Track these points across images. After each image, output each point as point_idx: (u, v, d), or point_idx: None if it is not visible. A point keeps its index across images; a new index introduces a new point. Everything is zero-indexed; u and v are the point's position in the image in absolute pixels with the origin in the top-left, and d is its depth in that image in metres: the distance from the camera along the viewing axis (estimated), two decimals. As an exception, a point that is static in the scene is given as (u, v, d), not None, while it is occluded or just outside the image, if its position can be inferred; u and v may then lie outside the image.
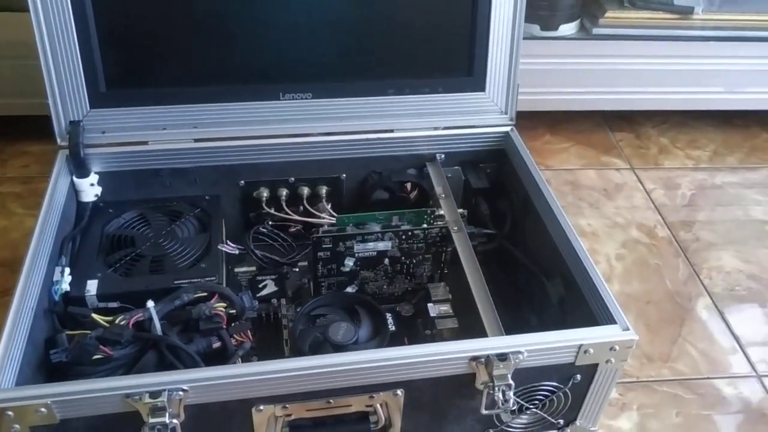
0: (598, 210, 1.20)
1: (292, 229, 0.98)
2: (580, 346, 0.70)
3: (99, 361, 0.72)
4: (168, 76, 0.90)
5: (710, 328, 1.01)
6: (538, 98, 1.30)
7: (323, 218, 0.95)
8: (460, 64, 0.96)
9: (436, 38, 0.94)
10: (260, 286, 0.92)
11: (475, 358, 0.68)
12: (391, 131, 0.97)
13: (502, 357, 0.68)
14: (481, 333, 0.77)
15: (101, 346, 0.71)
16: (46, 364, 0.72)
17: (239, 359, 0.78)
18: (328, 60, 0.93)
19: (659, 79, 1.33)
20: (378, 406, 0.71)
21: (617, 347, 0.71)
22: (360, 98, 0.95)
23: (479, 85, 0.97)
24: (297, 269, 0.95)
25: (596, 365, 0.73)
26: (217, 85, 0.91)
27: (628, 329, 0.71)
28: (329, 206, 0.98)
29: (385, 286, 0.92)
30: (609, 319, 0.73)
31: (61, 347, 0.72)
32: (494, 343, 0.70)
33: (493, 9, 0.93)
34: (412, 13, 0.92)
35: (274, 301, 0.91)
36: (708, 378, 0.94)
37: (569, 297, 0.82)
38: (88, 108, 0.88)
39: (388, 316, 0.86)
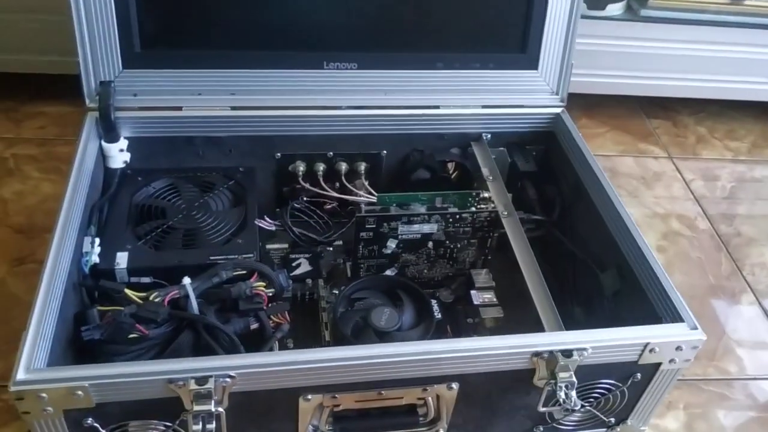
0: (637, 199, 1.16)
1: (328, 206, 0.94)
2: (647, 344, 0.66)
3: (133, 340, 0.67)
4: (207, 38, 0.84)
5: (756, 326, 0.97)
6: (577, 80, 1.24)
7: (361, 196, 0.91)
8: (513, 40, 0.91)
9: (491, 11, 0.89)
10: (294, 264, 0.88)
11: (537, 354, 0.64)
12: (437, 107, 0.92)
13: (567, 353, 0.64)
14: (531, 325, 0.73)
15: (137, 325, 0.67)
16: (76, 341, 0.67)
17: (276, 342, 0.74)
18: (377, 29, 0.87)
19: (702, 65, 1.28)
20: (429, 399, 0.68)
21: (684, 347, 0.67)
22: (407, 71, 0.89)
23: (532, 63, 0.92)
24: (331, 248, 0.91)
25: (659, 364, 0.69)
26: (258, 50, 0.85)
27: (696, 328, 0.67)
28: (367, 183, 0.93)
29: (425, 271, 0.88)
30: (674, 317, 0.69)
31: (92, 324, 0.68)
32: (557, 339, 0.65)
33: (553, -19, 0.87)
34: (465, -18, 0.87)
35: (309, 280, 0.87)
36: (755, 379, 0.90)
37: (625, 291, 0.78)
38: (121, 68, 0.82)
39: (433, 302, 0.81)
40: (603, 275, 0.81)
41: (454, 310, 0.86)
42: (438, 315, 0.80)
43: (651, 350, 0.67)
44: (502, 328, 0.82)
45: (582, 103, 1.33)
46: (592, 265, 0.83)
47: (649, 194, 1.17)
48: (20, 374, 0.56)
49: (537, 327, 0.73)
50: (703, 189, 1.20)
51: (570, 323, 0.72)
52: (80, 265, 0.72)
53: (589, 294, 0.85)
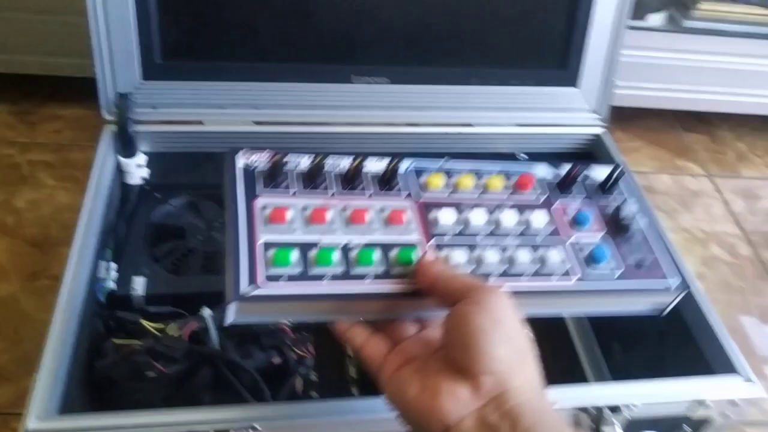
0: (674, 221, 1.11)
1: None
2: (700, 400, 0.62)
3: (149, 377, 0.63)
4: (231, 49, 0.79)
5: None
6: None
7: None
8: (553, 55, 0.85)
9: (531, 25, 0.83)
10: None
11: (582, 409, 0.60)
12: (470, 125, 0.87)
13: (615, 409, 0.60)
14: (564, 360, 0.69)
15: (154, 362, 0.63)
16: (91, 374, 0.64)
17: (299, 378, 0.70)
18: (410, 41, 0.82)
19: (744, 79, 1.22)
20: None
21: (739, 402, 0.63)
22: (440, 86, 0.84)
23: (571, 80, 0.87)
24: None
25: (710, 418, 0.65)
26: (284, 63, 0.81)
27: (750, 381, 0.63)
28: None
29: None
30: (727, 367, 0.64)
31: (108, 358, 0.64)
32: (604, 392, 0.61)
33: (598, -6, 0.82)
34: (505, -5, 0.82)
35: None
36: (801, 421, 0.86)
37: (671, 332, 0.73)
38: (141, 79, 0.78)
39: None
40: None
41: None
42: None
43: (703, 405, 0.62)
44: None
45: (616, 116, 1.27)
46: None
47: (688, 216, 1.12)
48: (32, 423, 0.52)
49: (573, 367, 0.69)
50: (744, 210, 1.15)
51: (611, 363, 0.68)
52: (95, 292, 0.68)
53: (629, 331, 0.80)
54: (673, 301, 0.60)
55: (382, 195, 0.58)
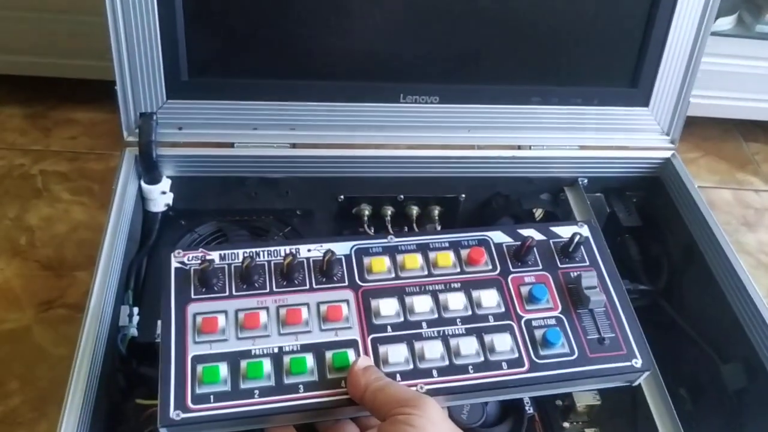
0: (738, 243, 1.02)
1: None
2: (797, 483, 0.55)
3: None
4: (264, 66, 0.72)
5: None
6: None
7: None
8: (623, 73, 0.77)
9: (599, 38, 0.75)
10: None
11: (664, 491, 0.53)
12: (528, 147, 0.79)
13: (703, 496, 0.53)
14: (627, 410, 0.62)
15: (182, 430, 0.56)
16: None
17: None
18: (463, 57, 0.74)
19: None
20: None
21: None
22: (495, 106, 0.76)
23: (643, 99, 0.78)
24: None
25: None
26: (324, 80, 0.73)
27: None
28: (440, 229, 0.81)
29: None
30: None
31: (129, 423, 0.57)
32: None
33: (677, 7, 0.73)
34: (571, 5, 0.73)
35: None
36: None
37: (753, 389, 0.66)
38: (165, 98, 0.71)
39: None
40: (725, 368, 0.68)
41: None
42: (530, 409, 0.68)
43: (799, 488, 0.55)
44: (598, 418, 0.70)
45: (671, 123, 1.19)
46: (710, 351, 0.71)
47: (752, 238, 1.04)
48: None
49: (641, 422, 0.62)
50: (812, 231, 1.07)
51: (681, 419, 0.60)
52: (116, 343, 0.61)
53: (702, 383, 0.72)
54: (639, 378, 0.56)
55: (323, 285, 0.56)
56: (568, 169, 0.80)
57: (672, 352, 0.77)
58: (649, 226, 0.81)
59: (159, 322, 0.62)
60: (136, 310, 0.64)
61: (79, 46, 0.99)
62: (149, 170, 0.72)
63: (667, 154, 0.80)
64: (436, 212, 0.81)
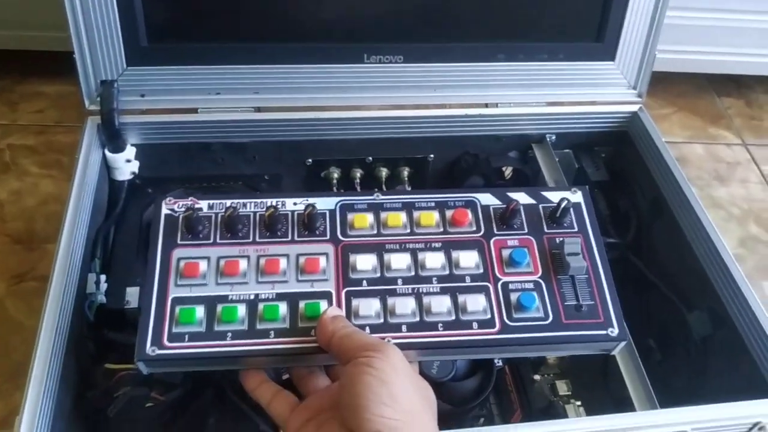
0: (710, 197, 1.03)
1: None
2: (756, 423, 0.56)
3: (147, 408, 0.57)
4: (226, 29, 0.71)
5: None
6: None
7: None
8: (588, 27, 0.76)
9: (564, -8, 0.74)
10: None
11: (628, 439, 0.54)
12: (496, 105, 0.78)
13: (665, 440, 0.54)
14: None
15: (152, 394, 0.57)
16: (82, 405, 0.58)
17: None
18: (427, 15, 0.73)
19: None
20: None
21: (802, 424, 0.56)
22: (461, 64, 0.76)
23: (608, 53, 0.78)
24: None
25: (766, 441, 0.59)
26: (287, 42, 0.72)
27: (817, 400, 0.56)
28: (410, 190, 0.81)
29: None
30: (789, 385, 0.58)
31: (99, 386, 0.58)
32: (650, 419, 0.54)
33: (640, -42, 0.73)
34: (534, -42, 0.72)
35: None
36: None
37: (718, 337, 0.67)
38: (125, 65, 0.70)
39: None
40: (691, 316, 0.69)
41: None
42: (499, 362, 0.69)
43: (760, 428, 0.56)
44: (568, 370, 0.71)
45: (644, 80, 1.19)
46: (676, 301, 0.72)
47: (724, 191, 1.04)
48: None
49: (610, 373, 0.64)
50: (784, 183, 1.07)
51: (644, 367, 0.61)
52: (84, 310, 0.61)
53: (669, 333, 0.74)
54: (615, 348, 0.56)
55: (304, 238, 0.57)
56: (536, 126, 0.80)
57: (641, 304, 0.78)
58: (618, 181, 0.81)
59: (128, 289, 0.64)
60: (103, 277, 0.64)
61: (42, 17, 0.97)
62: (112, 138, 0.71)
63: (635, 108, 0.80)
64: (406, 173, 0.81)
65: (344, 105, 0.75)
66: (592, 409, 0.67)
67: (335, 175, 0.79)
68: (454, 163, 0.82)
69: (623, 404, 0.61)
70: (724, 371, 0.66)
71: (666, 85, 1.21)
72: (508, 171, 0.82)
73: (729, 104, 1.22)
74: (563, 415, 0.67)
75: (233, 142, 0.75)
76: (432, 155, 0.80)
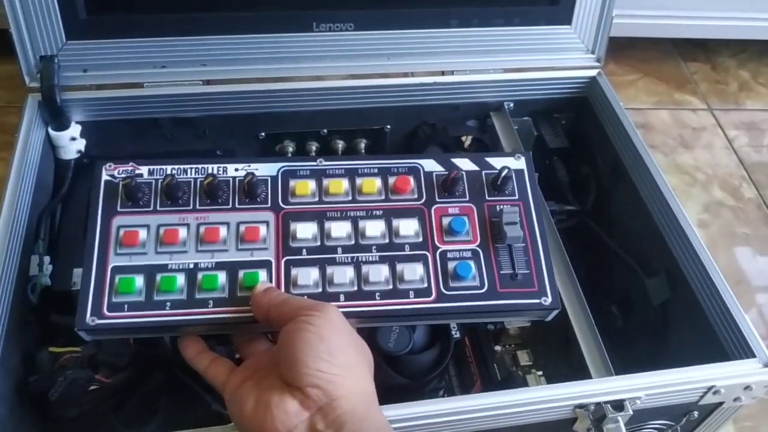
0: (675, 163, 1.03)
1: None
2: (711, 387, 0.55)
3: (91, 392, 0.56)
4: (168, -2, 0.68)
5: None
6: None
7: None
8: (544, -10, 0.75)
9: (516, -47, 0.73)
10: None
11: (581, 406, 0.53)
12: (451, 73, 0.77)
13: (617, 405, 0.53)
14: (560, 333, 0.63)
15: (96, 376, 0.55)
16: (25, 391, 0.56)
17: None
18: (377, -20, 0.71)
19: (747, 2, 1.11)
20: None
21: (754, 387, 0.56)
22: (414, 31, 0.74)
23: (565, 17, 0.76)
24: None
25: (721, 403, 0.59)
26: (233, 11, 0.70)
27: (769, 364, 0.56)
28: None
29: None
30: (742, 350, 0.58)
31: (42, 371, 0.56)
32: (605, 386, 0.54)
33: None
34: None
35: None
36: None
37: (676, 301, 0.67)
38: (64, 39, 0.67)
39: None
40: (650, 282, 0.69)
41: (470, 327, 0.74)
42: (456, 333, 0.68)
43: (715, 392, 0.56)
44: (529, 340, 0.71)
45: (609, 47, 1.16)
46: (635, 267, 0.71)
47: (689, 156, 1.04)
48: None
49: (570, 342, 0.63)
50: (748, 148, 1.07)
51: (605, 333, 0.61)
52: (27, 293, 0.59)
53: (628, 297, 0.73)
54: (548, 315, 0.57)
55: (245, 206, 0.56)
56: (493, 93, 0.79)
57: (601, 272, 0.77)
58: (577, 148, 0.80)
59: (75, 270, 0.62)
60: (47, 259, 0.62)
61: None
62: (55, 116, 0.69)
63: (593, 72, 0.79)
64: (363, 145, 0.80)
65: (296, 76, 0.73)
66: (553, 379, 0.67)
67: (290, 149, 0.78)
68: (411, 133, 0.80)
69: (581, 370, 0.61)
70: (684, 335, 0.66)
71: (631, 51, 1.19)
72: (467, 140, 0.81)
73: (695, 69, 1.21)
74: (524, 384, 0.67)
75: (182, 117, 0.73)
76: (389, 126, 0.79)
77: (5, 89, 0.99)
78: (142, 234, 0.54)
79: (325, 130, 0.77)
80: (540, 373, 0.69)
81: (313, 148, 0.78)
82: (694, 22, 1.14)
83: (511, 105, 0.79)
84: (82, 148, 0.71)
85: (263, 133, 0.76)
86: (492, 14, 0.75)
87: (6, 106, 0.97)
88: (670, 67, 1.20)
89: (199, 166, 0.57)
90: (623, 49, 1.19)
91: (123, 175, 0.55)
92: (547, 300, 0.55)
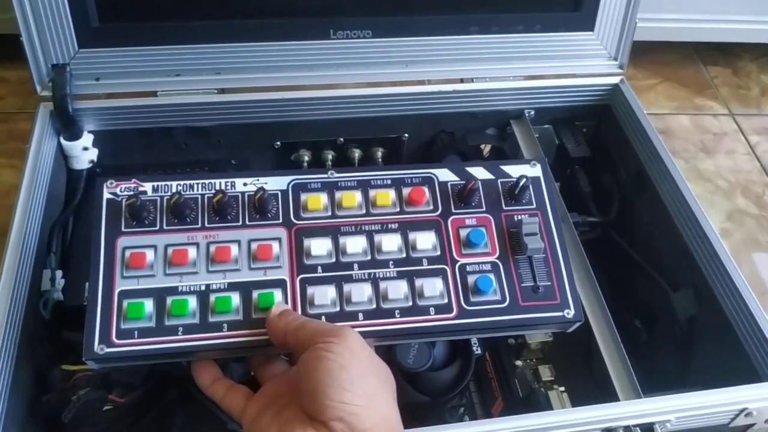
0: (696, 170, 1.00)
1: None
2: (743, 409, 0.54)
3: (105, 412, 0.54)
4: (183, 5, 0.67)
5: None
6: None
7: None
8: (566, -5, 0.73)
9: (538, -42, 0.71)
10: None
11: (609, 430, 0.52)
12: (471, 81, 0.75)
13: (647, 429, 0.52)
14: (583, 347, 0.61)
15: (110, 396, 0.54)
16: (36, 409, 0.55)
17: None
18: (396, -14, 0.70)
19: (764, 5, 1.09)
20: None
21: (789, 408, 0.54)
22: (433, 38, 0.72)
23: (587, 23, 0.74)
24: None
25: (751, 425, 0.57)
26: (248, 19, 0.68)
27: (804, 385, 0.54)
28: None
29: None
30: (774, 367, 0.56)
31: (55, 389, 0.55)
32: (633, 409, 0.52)
33: None
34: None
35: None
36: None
37: (703, 317, 0.65)
38: (76, 47, 0.66)
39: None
40: (676, 296, 0.67)
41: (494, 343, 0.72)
42: (478, 350, 0.66)
43: (747, 414, 0.54)
44: (551, 355, 0.69)
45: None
46: (660, 280, 0.69)
47: (710, 163, 1.02)
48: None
49: (594, 359, 0.61)
50: (771, 154, 1.05)
51: (627, 347, 0.59)
52: (39, 309, 0.58)
53: (652, 311, 0.71)
54: (570, 327, 0.55)
55: (256, 222, 0.54)
56: (514, 101, 0.77)
57: (624, 284, 0.76)
58: (600, 157, 0.79)
59: (87, 285, 0.61)
60: (60, 273, 0.61)
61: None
62: (67, 125, 0.67)
63: (616, 80, 0.77)
64: (380, 154, 0.78)
65: (312, 84, 0.71)
66: (575, 395, 0.65)
67: (306, 158, 0.76)
68: (429, 142, 0.78)
69: (607, 388, 0.59)
70: (710, 352, 0.64)
71: (650, 55, 1.17)
72: (486, 149, 0.79)
73: (715, 73, 1.19)
74: (546, 402, 0.65)
75: (196, 126, 0.71)
76: (406, 134, 0.77)
77: (16, 96, 0.98)
78: (150, 255, 0.51)
79: (342, 139, 0.76)
80: (562, 389, 0.67)
81: (329, 157, 0.77)
82: (715, 26, 1.12)
83: (532, 113, 0.78)
84: (95, 158, 0.70)
85: (278, 143, 0.75)
86: (512, 20, 0.73)
87: (17, 112, 0.96)
88: (691, 71, 1.18)
89: (206, 181, 0.55)
90: (642, 53, 1.17)
91: (126, 193, 0.53)
92: (570, 312, 0.53)
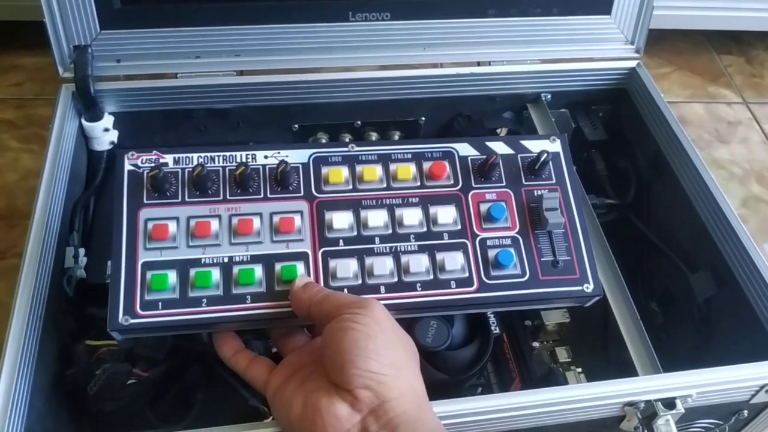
0: (711, 157, 1.00)
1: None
2: (764, 385, 0.54)
3: (129, 386, 0.55)
4: (203, -13, 0.67)
5: None
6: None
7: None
8: (584, -22, 0.73)
9: (556, -59, 0.71)
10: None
11: (631, 404, 0.52)
12: (488, 64, 0.75)
13: (669, 403, 0.52)
14: (600, 329, 0.62)
15: (134, 370, 0.54)
16: (62, 383, 0.55)
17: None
18: (414, -32, 0.70)
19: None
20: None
21: (810, 384, 0.54)
22: (450, 20, 0.73)
23: (604, 7, 0.74)
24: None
25: (773, 402, 0.57)
26: (268, 1, 0.68)
27: (825, 362, 0.54)
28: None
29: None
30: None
31: (79, 364, 0.56)
32: (655, 383, 0.52)
33: None
34: None
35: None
36: None
37: (722, 298, 0.65)
38: (98, 29, 0.66)
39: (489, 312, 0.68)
40: (694, 277, 0.67)
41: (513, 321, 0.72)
42: (496, 329, 0.67)
43: (767, 390, 0.54)
44: (568, 337, 0.69)
45: (642, 38, 1.15)
46: (679, 262, 0.69)
47: (725, 150, 1.02)
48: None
49: (611, 339, 0.62)
50: (786, 141, 1.05)
51: (647, 331, 0.59)
52: (63, 285, 0.59)
53: (669, 293, 0.71)
54: (589, 302, 0.56)
55: (277, 195, 0.54)
56: (531, 84, 0.77)
57: (642, 266, 0.76)
58: (616, 140, 0.79)
59: (109, 262, 0.61)
60: (82, 251, 0.61)
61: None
62: (89, 107, 0.68)
63: (632, 64, 0.77)
64: (396, 137, 0.78)
65: (330, 66, 0.72)
66: (593, 376, 0.65)
67: (323, 141, 0.77)
68: (446, 125, 0.79)
69: (625, 369, 0.59)
70: (730, 332, 0.64)
71: (664, 43, 1.17)
72: (502, 132, 0.79)
73: (729, 62, 1.19)
74: (564, 382, 0.65)
75: (216, 108, 0.72)
76: (423, 118, 0.77)
77: (33, 82, 0.99)
78: (172, 227, 0.52)
79: (359, 122, 0.76)
80: (579, 370, 0.67)
81: (347, 139, 0.77)
82: (728, 14, 1.11)
83: (549, 96, 0.78)
84: (115, 139, 0.70)
85: (296, 125, 0.75)
86: (530, 4, 0.73)
87: (34, 98, 0.97)
88: (704, 59, 1.18)
89: (227, 153, 0.55)
90: (655, 42, 1.16)
91: (147, 165, 0.53)
92: (590, 287, 0.54)
